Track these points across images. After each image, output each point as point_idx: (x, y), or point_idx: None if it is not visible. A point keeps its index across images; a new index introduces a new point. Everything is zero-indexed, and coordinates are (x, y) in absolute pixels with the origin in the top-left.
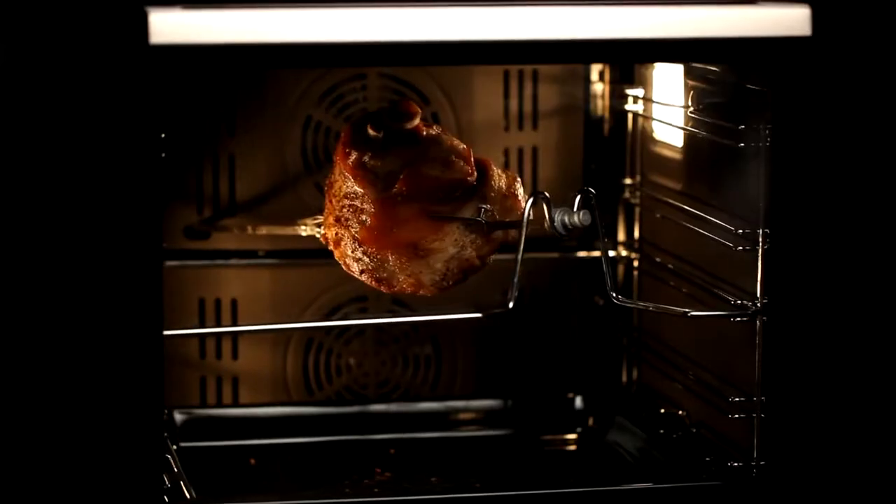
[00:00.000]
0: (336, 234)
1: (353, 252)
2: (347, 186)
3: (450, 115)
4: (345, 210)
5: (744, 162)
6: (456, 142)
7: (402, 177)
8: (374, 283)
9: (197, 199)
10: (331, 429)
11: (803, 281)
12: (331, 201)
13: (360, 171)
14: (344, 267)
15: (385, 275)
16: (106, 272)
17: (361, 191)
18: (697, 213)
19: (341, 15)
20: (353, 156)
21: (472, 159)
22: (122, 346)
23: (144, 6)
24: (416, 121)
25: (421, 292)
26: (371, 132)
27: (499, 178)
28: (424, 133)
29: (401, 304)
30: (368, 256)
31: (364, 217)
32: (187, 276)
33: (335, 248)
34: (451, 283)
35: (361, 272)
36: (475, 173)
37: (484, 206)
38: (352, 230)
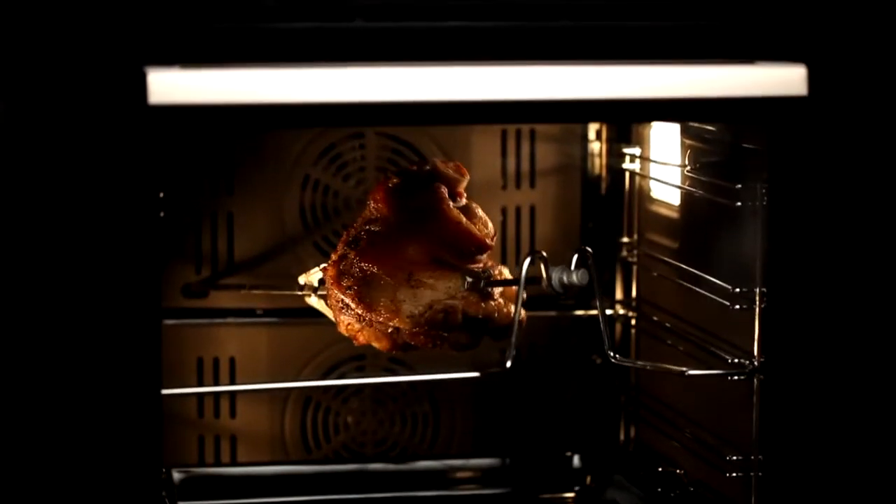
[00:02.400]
0: (339, 255)
1: (349, 268)
2: (374, 210)
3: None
4: (361, 233)
5: (741, 221)
6: (482, 214)
7: (425, 218)
8: (355, 299)
9: (195, 257)
10: (329, 487)
11: (800, 340)
12: (347, 233)
13: (393, 200)
14: (329, 282)
15: (369, 291)
16: (105, 331)
17: (386, 214)
18: (694, 272)
19: (339, 75)
20: (393, 187)
21: (491, 239)
22: (121, 405)
23: (143, 66)
24: (465, 183)
25: (393, 322)
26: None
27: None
28: (463, 199)
29: (399, 363)
30: (361, 271)
31: (375, 239)
32: (185, 335)
33: (332, 267)
34: (426, 326)
35: (348, 287)
36: (490, 245)
37: (487, 269)
38: (357, 249)
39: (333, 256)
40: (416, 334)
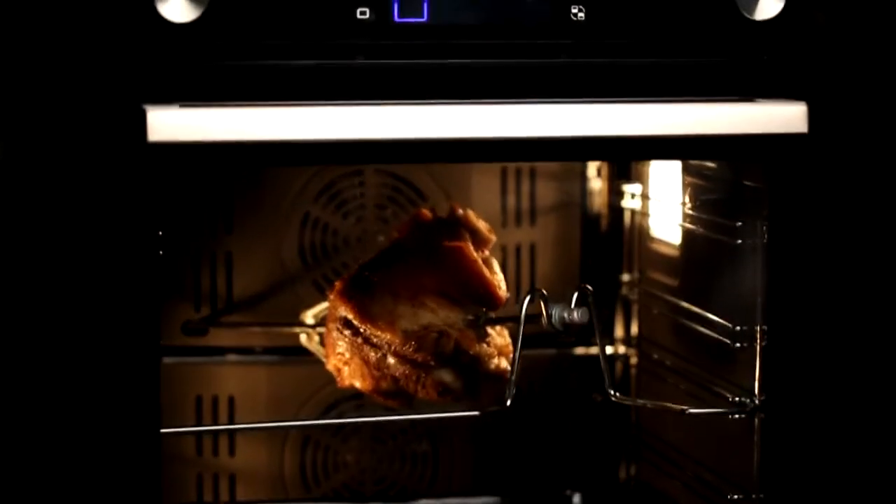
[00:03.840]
0: (351, 273)
1: (357, 283)
2: (397, 239)
3: (447, 211)
4: (378, 257)
5: (741, 258)
6: (499, 272)
7: (445, 256)
8: (352, 302)
9: (195, 295)
10: None
11: (802, 378)
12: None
13: (418, 233)
14: (334, 295)
15: (371, 305)
16: (104, 370)
17: (409, 246)
18: (695, 310)
19: (338, 113)
20: (422, 222)
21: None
22: (120, 444)
23: (142, 104)
24: (490, 245)
25: (387, 334)
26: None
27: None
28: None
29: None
30: (369, 284)
31: (391, 263)
32: (185, 373)
33: (341, 282)
34: (417, 345)
35: (351, 298)
36: (499, 300)
37: (487, 313)
38: (369, 267)
39: (345, 276)
40: (404, 358)
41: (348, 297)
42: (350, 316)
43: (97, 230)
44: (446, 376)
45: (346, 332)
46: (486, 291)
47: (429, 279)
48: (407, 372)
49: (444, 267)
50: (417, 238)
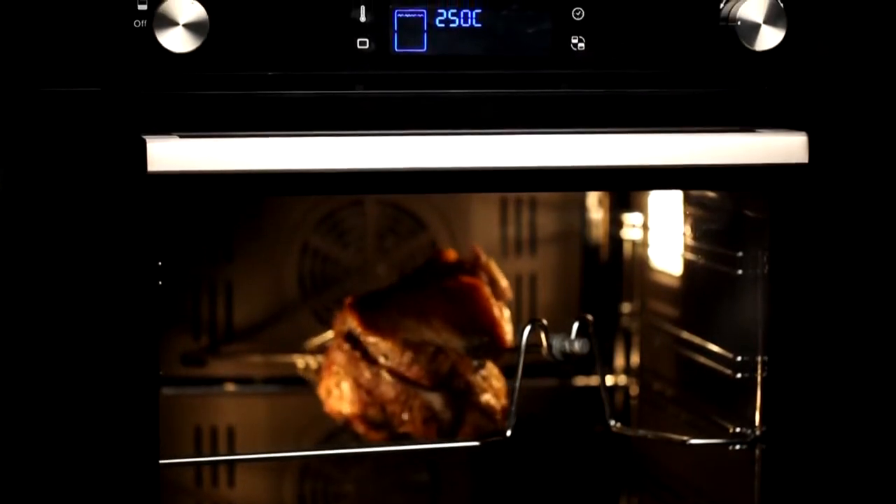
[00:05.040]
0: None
1: (369, 300)
2: (420, 272)
3: (448, 241)
4: (394, 285)
5: (742, 289)
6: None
7: (461, 291)
8: (358, 312)
9: (194, 325)
10: None
11: (802, 409)
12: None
13: (436, 270)
14: (343, 308)
15: (377, 318)
16: (103, 400)
17: (427, 279)
18: (696, 340)
19: (337, 143)
20: (443, 261)
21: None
22: (119, 475)
23: (142, 135)
24: (504, 300)
25: (387, 343)
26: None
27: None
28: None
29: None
30: (379, 303)
31: (407, 288)
32: (184, 404)
33: (351, 297)
34: (413, 356)
35: (359, 311)
36: (504, 344)
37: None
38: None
39: (357, 295)
40: (398, 376)
41: (356, 308)
42: (354, 324)
43: (97, 260)
44: (436, 401)
45: (346, 346)
46: (493, 330)
47: (439, 305)
48: (397, 393)
49: (456, 298)
50: (435, 271)
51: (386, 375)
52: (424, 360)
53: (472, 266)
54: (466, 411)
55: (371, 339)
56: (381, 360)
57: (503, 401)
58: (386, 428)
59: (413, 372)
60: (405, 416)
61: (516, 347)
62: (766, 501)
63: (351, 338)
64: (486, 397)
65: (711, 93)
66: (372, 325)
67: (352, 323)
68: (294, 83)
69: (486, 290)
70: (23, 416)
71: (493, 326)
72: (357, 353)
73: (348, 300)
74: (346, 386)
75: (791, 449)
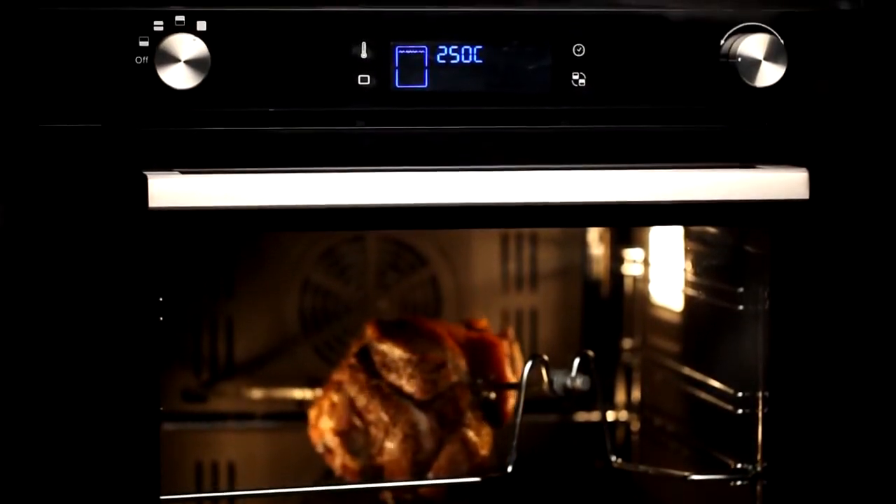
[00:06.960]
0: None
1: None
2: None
3: (448, 277)
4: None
5: (743, 324)
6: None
7: (480, 339)
8: (377, 324)
9: (195, 361)
10: None
11: (803, 445)
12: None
13: (462, 338)
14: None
15: (396, 327)
16: (104, 436)
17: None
18: (697, 376)
19: (338, 179)
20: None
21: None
22: None
23: (143, 170)
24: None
25: (396, 351)
26: None
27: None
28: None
29: None
30: (402, 320)
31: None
32: (184, 439)
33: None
34: (417, 364)
35: (381, 326)
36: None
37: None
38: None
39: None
40: (396, 385)
41: (379, 321)
42: (371, 332)
43: (98, 296)
44: (422, 422)
45: (353, 361)
46: (501, 376)
47: (458, 338)
48: (387, 409)
49: (475, 345)
50: (467, 325)
51: (383, 388)
52: (428, 368)
53: (501, 334)
54: (446, 443)
55: (383, 346)
56: (384, 371)
57: (485, 451)
58: (362, 455)
59: (412, 385)
60: (386, 440)
61: (517, 383)
62: None
63: (362, 354)
64: (472, 434)
65: (712, 129)
66: (388, 335)
67: (370, 332)
68: (295, 119)
69: (506, 351)
70: (25, 452)
71: (499, 381)
72: (361, 367)
73: (372, 320)
74: (338, 399)
75: (792, 485)
